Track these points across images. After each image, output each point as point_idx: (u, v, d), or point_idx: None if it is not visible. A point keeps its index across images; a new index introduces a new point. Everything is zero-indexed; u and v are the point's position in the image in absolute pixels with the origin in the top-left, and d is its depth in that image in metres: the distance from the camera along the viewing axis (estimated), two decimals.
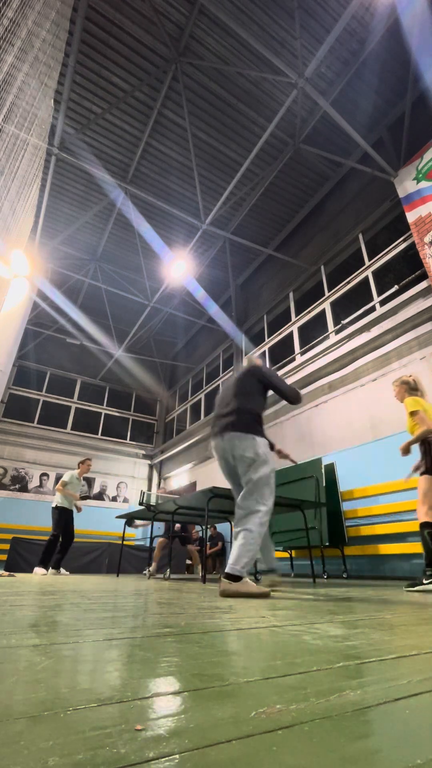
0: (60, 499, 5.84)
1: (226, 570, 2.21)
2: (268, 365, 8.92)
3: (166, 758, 0.33)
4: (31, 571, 7.20)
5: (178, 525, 6.19)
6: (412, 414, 3.15)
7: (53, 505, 5.86)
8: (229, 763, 0.32)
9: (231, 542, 6.25)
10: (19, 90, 4.96)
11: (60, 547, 5.72)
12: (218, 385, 10.95)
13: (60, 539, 5.70)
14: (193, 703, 0.46)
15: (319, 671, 0.61)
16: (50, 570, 5.64)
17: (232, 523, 2.36)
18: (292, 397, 2.73)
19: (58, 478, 10.82)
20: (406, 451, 3.15)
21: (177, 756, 0.33)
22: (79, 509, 5.96)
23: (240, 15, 6.04)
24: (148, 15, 6.09)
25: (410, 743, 0.36)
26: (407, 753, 0.34)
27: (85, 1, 5.91)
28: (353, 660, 0.69)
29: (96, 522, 10.45)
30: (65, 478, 5.94)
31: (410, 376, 3.48)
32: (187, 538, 6.17)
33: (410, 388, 3.39)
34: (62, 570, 5.84)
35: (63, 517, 5.74)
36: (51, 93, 6.10)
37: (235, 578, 2.18)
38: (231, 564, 2.21)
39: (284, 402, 7.70)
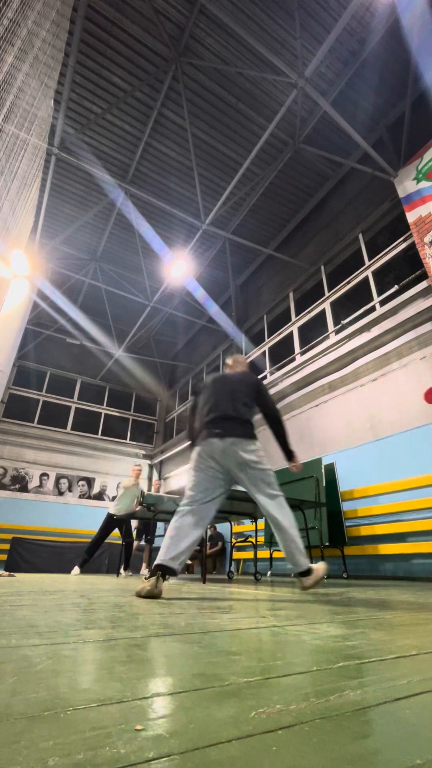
0: (114, 507, 6.07)
1: (298, 571, 2.32)
2: (268, 365, 8.92)
3: (166, 758, 0.33)
4: (31, 571, 7.21)
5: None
6: None
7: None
8: (229, 763, 0.32)
9: (231, 542, 6.27)
10: (19, 90, 4.96)
11: (123, 550, 5.98)
12: None
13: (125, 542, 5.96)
14: (193, 703, 0.46)
15: (319, 671, 0.61)
16: (121, 572, 5.87)
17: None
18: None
19: (58, 478, 10.83)
20: None
21: (177, 756, 0.33)
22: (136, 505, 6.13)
23: (240, 15, 6.04)
24: (148, 15, 6.09)
25: (410, 743, 0.36)
26: (407, 753, 0.34)
27: (85, 1, 5.91)
28: (353, 660, 0.69)
29: (96, 522, 10.43)
30: (121, 490, 6.16)
31: None
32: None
33: None
34: (128, 571, 6.04)
35: (112, 524, 5.94)
36: (51, 93, 6.10)
37: (306, 572, 2.29)
38: (303, 561, 2.33)
39: (284, 402, 7.71)
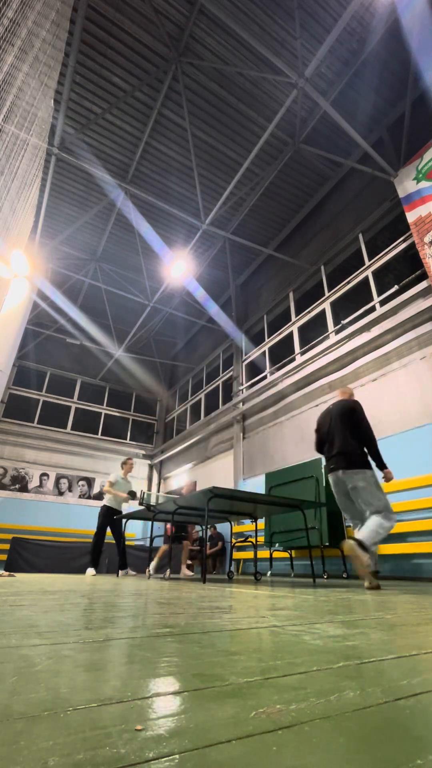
0: (107, 499, 6.09)
1: (361, 537, 2.76)
2: (268, 365, 8.93)
3: (166, 758, 0.33)
4: (31, 571, 7.21)
5: (168, 525, 6.38)
6: None
7: (102, 504, 6.10)
8: (229, 763, 0.32)
9: (231, 542, 6.26)
10: (19, 90, 4.96)
11: (117, 550, 5.92)
12: (218, 385, 10.96)
13: (102, 540, 5.93)
14: (193, 703, 0.46)
15: (319, 671, 0.61)
16: (119, 572, 5.85)
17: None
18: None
19: (58, 478, 10.82)
20: None
21: (177, 756, 0.33)
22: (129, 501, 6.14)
23: (240, 15, 6.04)
24: (148, 15, 6.09)
25: (410, 743, 0.36)
26: (407, 753, 0.34)
27: (85, 1, 5.91)
28: (353, 660, 0.69)
29: (96, 522, 10.43)
30: (111, 478, 6.13)
31: None
32: (183, 536, 6.43)
33: None
34: (129, 570, 6.00)
35: (108, 516, 5.95)
36: (51, 93, 6.09)
37: (364, 547, 2.68)
38: (366, 538, 2.78)
39: (284, 402, 7.71)
